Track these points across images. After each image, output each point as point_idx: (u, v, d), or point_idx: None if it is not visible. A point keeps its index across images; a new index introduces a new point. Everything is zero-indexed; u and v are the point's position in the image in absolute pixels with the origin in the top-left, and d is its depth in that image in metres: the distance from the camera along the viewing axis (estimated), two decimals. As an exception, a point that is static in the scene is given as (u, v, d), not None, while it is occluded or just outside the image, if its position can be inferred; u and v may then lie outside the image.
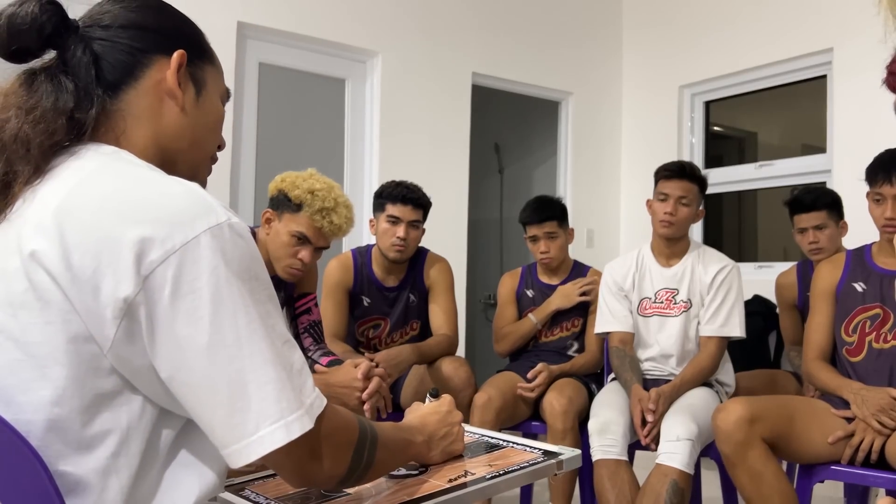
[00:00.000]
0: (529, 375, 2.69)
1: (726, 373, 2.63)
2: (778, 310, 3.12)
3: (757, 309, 3.49)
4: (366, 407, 2.06)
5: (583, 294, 2.85)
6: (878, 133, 2.84)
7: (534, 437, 2.61)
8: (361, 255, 2.77)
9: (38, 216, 0.78)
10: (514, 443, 1.23)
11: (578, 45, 4.64)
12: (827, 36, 3.78)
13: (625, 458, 2.31)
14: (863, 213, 2.26)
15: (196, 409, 0.77)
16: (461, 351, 3.32)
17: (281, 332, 0.79)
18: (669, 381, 2.47)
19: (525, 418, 2.70)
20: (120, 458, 0.77)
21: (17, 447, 0.73)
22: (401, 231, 2.63)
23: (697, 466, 2.30)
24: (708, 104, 4.57)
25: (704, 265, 2.59)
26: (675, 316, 2.59)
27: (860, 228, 2.65)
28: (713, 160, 4.58)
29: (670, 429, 2.23)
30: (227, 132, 3.31)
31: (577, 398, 2.59)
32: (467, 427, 1.28)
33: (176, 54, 0.90)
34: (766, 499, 1.96)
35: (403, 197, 2.64)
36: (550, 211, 2.90)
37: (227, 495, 1.04)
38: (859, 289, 2.22)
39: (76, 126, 0.84)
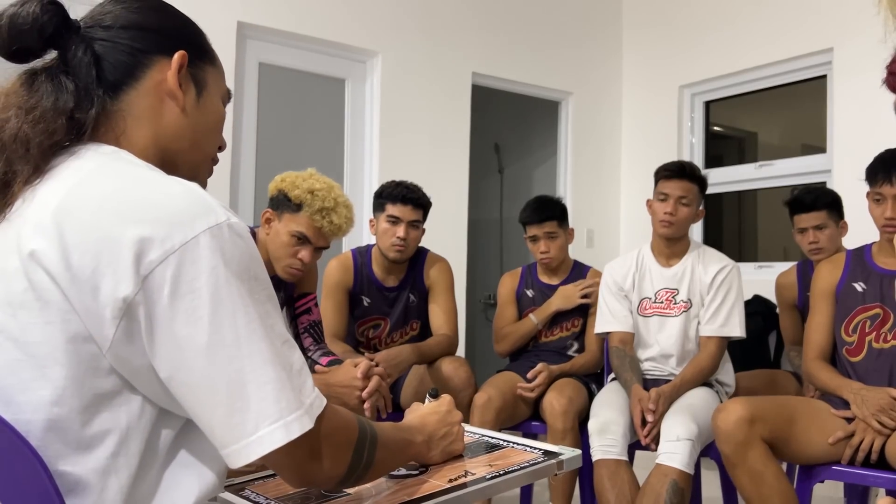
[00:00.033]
0: (529, 375, 2.69)
1: (726, 373, 2.63)
2: (778, 310, 3.12)
3: (757, 309, 3.49)
4: (366, 406, 2.05)
5: (584, 297, 2.85)
6: (878, 133, 2.84)
7: (534, 437, 2.61)
8: (361, 255, 2.77)
9: (37, 216, 0.78)
10: (514, 443, 1.23)
11: (578, 45, 4.64)
12: (827, 36, 3.78)
13: (625, 458, 2.31)
14: (863, 213, 2.26)
15: (195, 409, 0.77)
16: (461, 351, 3.33)
17: (280, 332, 0.79)
18: (669, 381, 2.47)
19: (525, 418, 2.70)
20: (119, 458, 0.77)
21: (17, 447, 0.73)
22: (401, 231, 2.63)
23: (697, 466, 2.29)
24: (708, 104, 4.56)
25: (704, 265, 2.59)
26: (675, 316, 2.58)
27: (860, 228, 2.65)
28: (713, 160, 4.58)
29: (670, 429, 2.23)
30: (226, 132, 3.31)
31: (577, 398, 2.59)
32: (467, 427, 1.27)
33: (177, 55, 0.90)
34: (766, 499, 1.96)
35: (403, 197, 2.64)
36: (550, 211, 2.89)
37: (227, 495, 1.04)
38: (859, 289, 2.22)
39: (76, 126, 0.85)
